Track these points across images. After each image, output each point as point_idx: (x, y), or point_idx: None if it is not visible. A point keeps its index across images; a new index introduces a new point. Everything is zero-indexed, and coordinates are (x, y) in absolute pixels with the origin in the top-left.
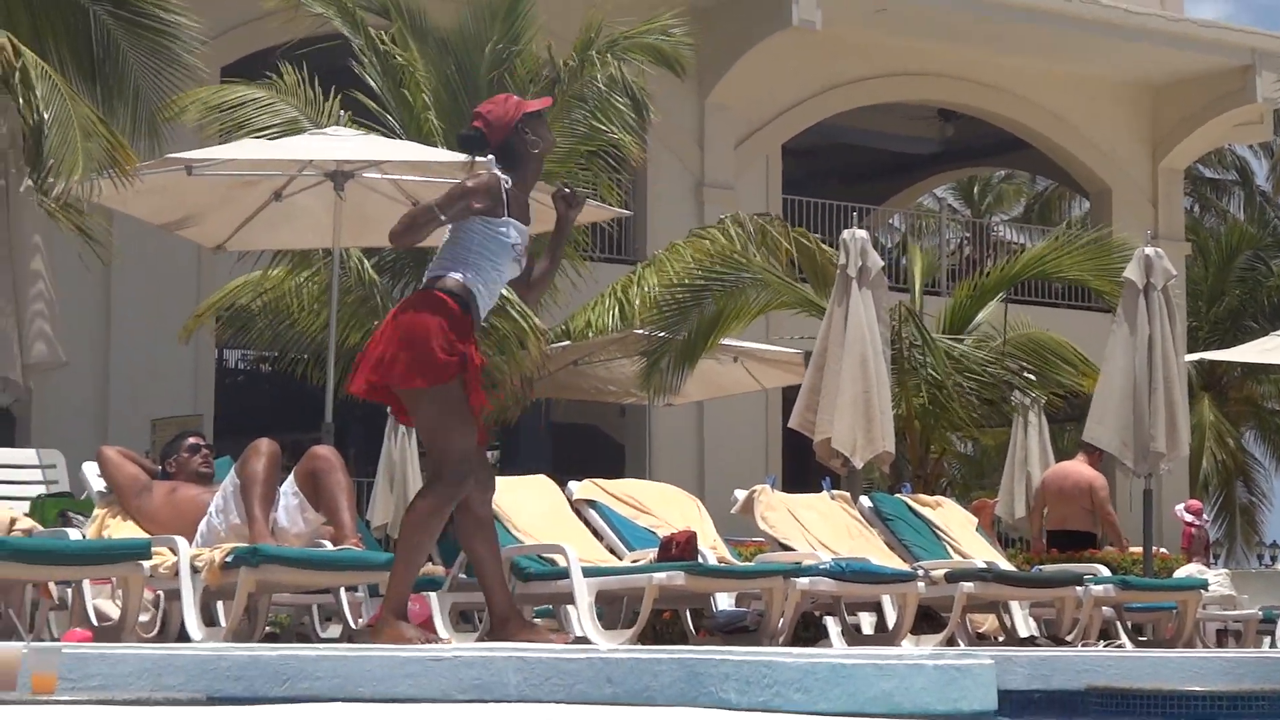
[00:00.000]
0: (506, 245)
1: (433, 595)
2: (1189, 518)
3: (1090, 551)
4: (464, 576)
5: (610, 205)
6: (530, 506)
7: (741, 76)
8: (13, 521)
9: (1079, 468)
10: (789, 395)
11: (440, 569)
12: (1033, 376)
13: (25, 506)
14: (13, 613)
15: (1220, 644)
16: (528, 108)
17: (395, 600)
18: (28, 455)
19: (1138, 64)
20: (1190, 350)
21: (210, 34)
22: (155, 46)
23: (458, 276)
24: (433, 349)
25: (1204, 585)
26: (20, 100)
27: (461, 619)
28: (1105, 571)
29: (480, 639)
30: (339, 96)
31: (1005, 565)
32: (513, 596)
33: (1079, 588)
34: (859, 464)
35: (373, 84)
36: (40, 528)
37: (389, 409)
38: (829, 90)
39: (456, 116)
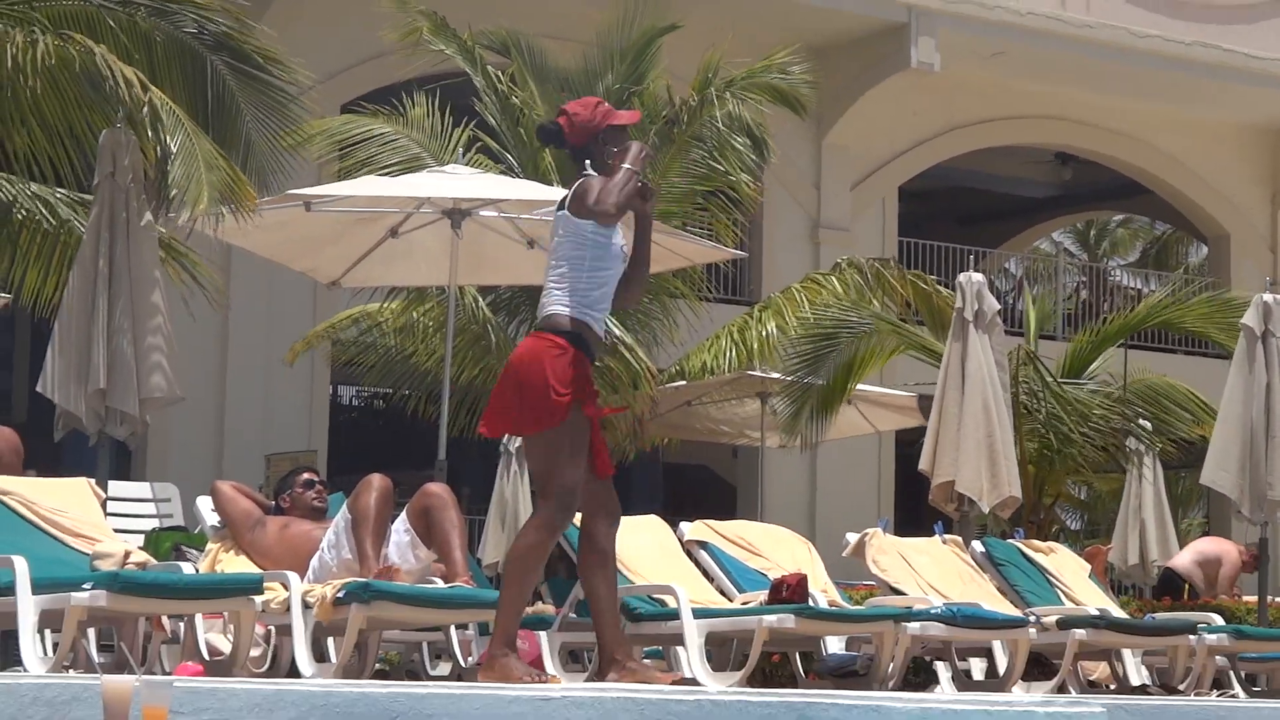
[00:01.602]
0: (616, 249)
1: (543, 634)
2: None
3: (1205, 600)
4: (574, 616)
5: (726, 246)
6: (642, 547)
7: (859, 118)
8: (127, 554)
9: (1229, 546)
10: (902, 438)
11: (550, 608)
12: (1148, 423)
13: (140, 540)
14: (125, 646)
15: None
16: (614, 119)
17: (503, 635)
18: (143, 489)
19: (1258, 108)
20: None
21: (330, 71)
22: (269, 101)
23: (566, 312)
24: (542, 394)
25: None
26: (148, 133)
27: (571, 658)
28: (1219, 620)
29: (590, 678)
30: (466, 129)
31: (1118, 612)
32: (624, 636)
33: (1192, 636)
34: (986, 508)
35: (492, 122)
36: (154, 561)
37: None
38: (947, 132)
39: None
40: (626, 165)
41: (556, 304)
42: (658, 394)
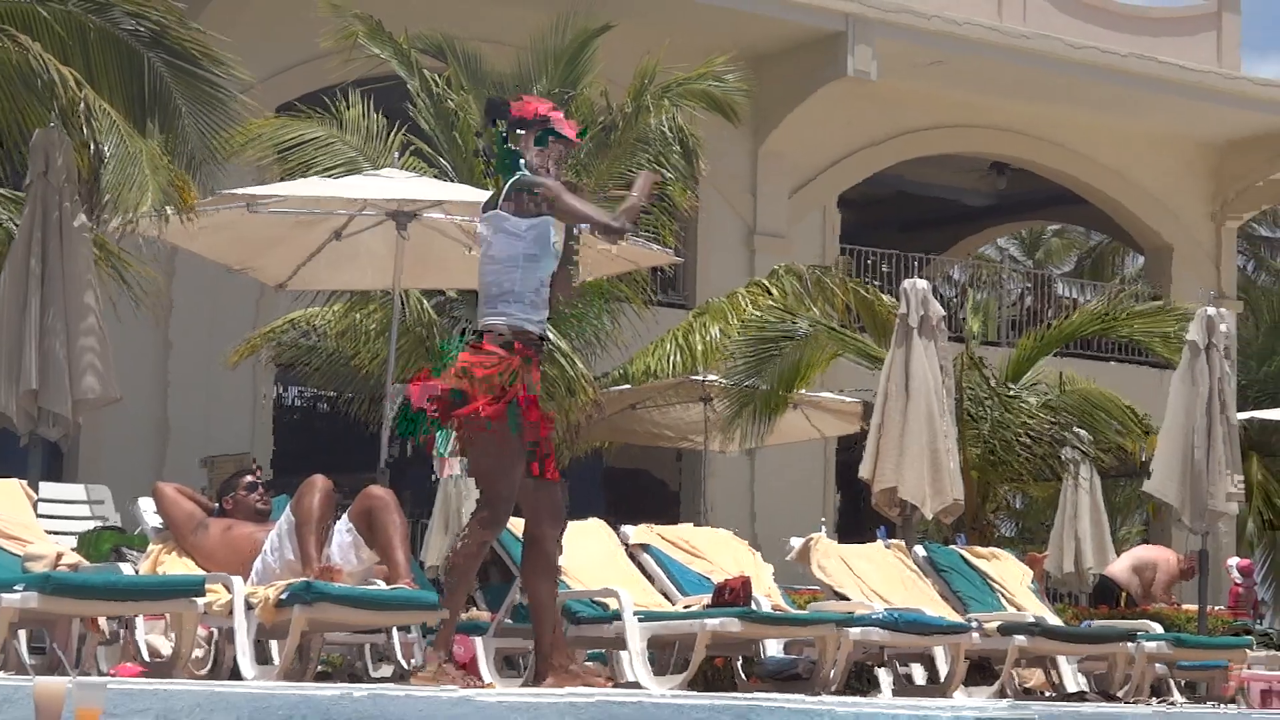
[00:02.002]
0: (553, 247)
1: (478, 640)
2: (1238, 577)
3: (1143, 608)
4: (509, 622)
5: (665, 249)
6: (584, 550)
7: (796, 125)
8: (59, 556)
9: (1170, 555)
10: (845, 443)
11: (486, 614)
12: (1083, 432)
13: (73, 541)
14: (58, 648)
15: (1265, 705)
16: (552, 118)
17: (439, 640)
18: (75, 490)
19: (1195, 121)
20: (1239, 409)
21: (267, 73)
22: (206, 96)
23: (502, 321)
24: (479, 401)
25: (1250, 644)
26: (81, 134)
27: (506, 664)
28: (1158, 628)
29: (525, 684)
30: (400, 131)
31: (1054, 620)
32: (565, 640)
33: (1131, 644)
34: (929, 514)
35: (425, 126)
36: (86, 563)
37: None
38: (884, 141)
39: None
40: (637, 195)
41: (491, 313)
42: (600, 397)
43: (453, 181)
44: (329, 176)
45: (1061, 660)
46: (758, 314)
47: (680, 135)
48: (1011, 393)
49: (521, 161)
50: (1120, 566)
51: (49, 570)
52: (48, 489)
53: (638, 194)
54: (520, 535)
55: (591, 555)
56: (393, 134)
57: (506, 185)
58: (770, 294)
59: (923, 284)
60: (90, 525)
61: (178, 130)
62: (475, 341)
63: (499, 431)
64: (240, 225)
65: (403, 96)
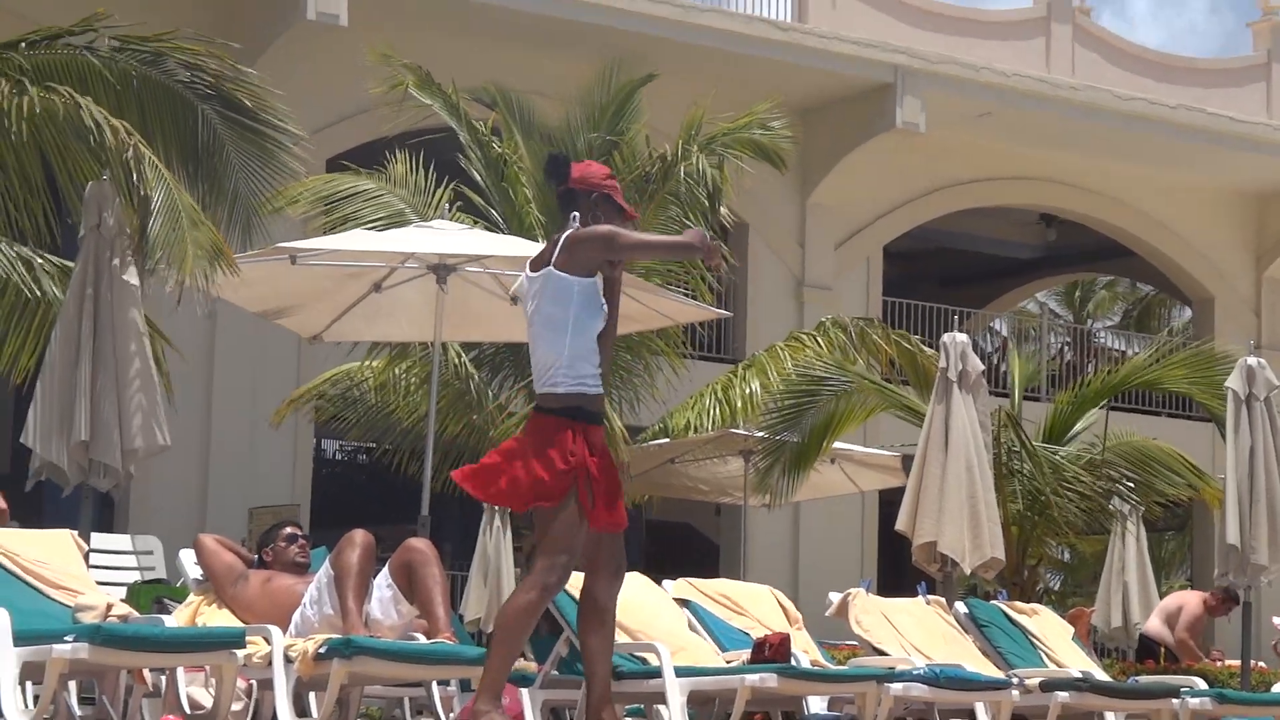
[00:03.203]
0: (600, 303)
1: (525, 691)
2: None
3: (1188, 663)
4: (556, 673)
5: (706, 304)
6: (627, 602)
7: (844, 177)
8: (109, 607)
9: (1191, 596)
10: (885, 498)
11: (533, 665)
12: (1132, 485)
13: (122, 592)
14: (106, 699)
15: None
16: (617, 195)
17: (489, 690)
18: (125, 541)
19: (1243, 172)
20: None
21: (318, 125)
22: (259, 150)
23: (560, 388)
24: (543, 474)
25: None
26: (129, 186)
27: (553, 716)
28: (1202, 684)
29: None
30: (449, 186)
31: (1101, 675)
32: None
33: (1175, 700)
34: (968, 570)
35: (476, 177)
36: (136, 614)
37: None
38: (932, 193)
39: (558, 212)
40: (694, 230)
41: (546, 380)
42: (637, 452)
43: (503, 232)
44: (376, 228)
45: (1109, 717)
46: (795, 367)
47: (704, 180)
48: (1049, 448)
49: (574, 216)
50: (1153, 622)
51: (99, 621)
52: (99, 540)
53: (695, 230)
54: (571, 591)
55: (636, 607)
56: (443, 187)
57: (561, 240)
58: (807, 348)
59: (962, 338)
60: (139, 576)
61: (228, 185)
62: (537, 411)
63: (567, 506)
64: (281, 277)
65: (453, 148)
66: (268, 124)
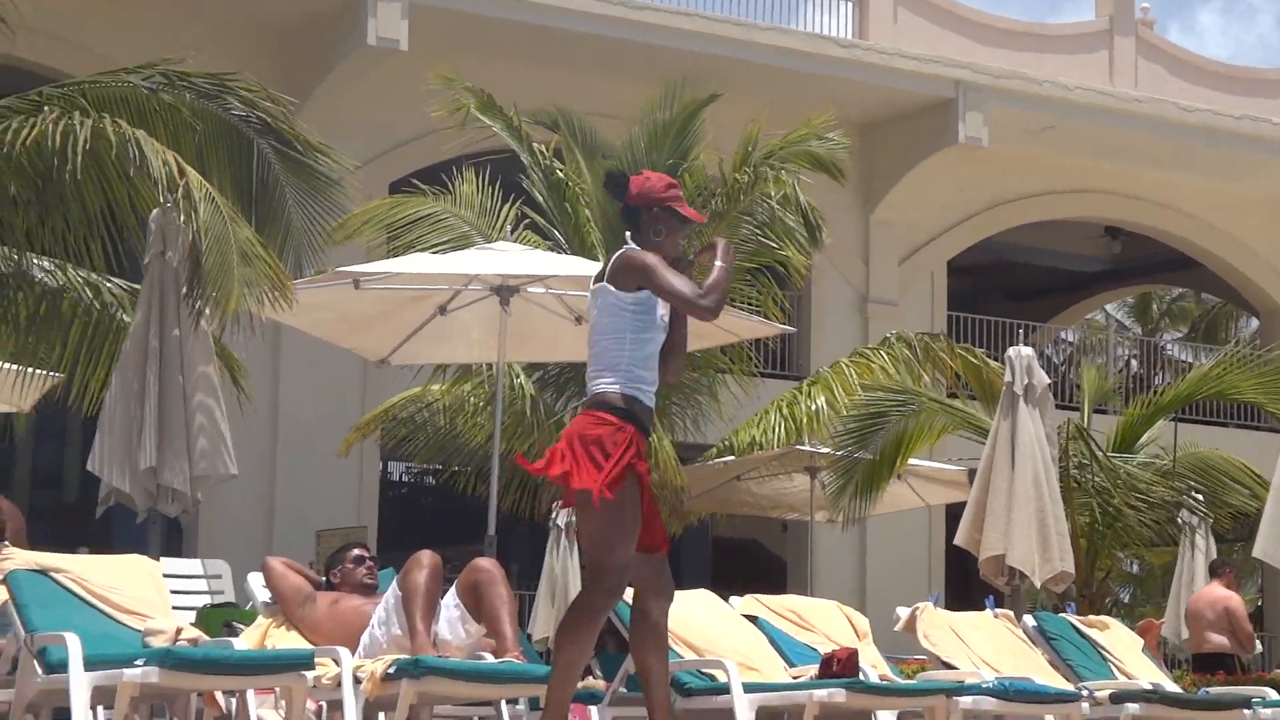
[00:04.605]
0: (657, 319)
1: (593, 709)
2: None
3: (1259, 674)
4: (624, 691)
5: (773, 321)
6: (693, 621)
7: (907, 193)
8: (179, 631)
9: (1212, 590)
10: (952, 512)
11: (601, 683)
12: (1200, 496)
13: (191, 616)
14: None
15: None
16: (679, 205)
17: (554, 711)
18: (194, 565)
19: None
20: None
21: (381, 149)
22: (312, 184)
23: (615, 389)
24: (599, 463)
25: None
26: (182, 217)
27: None
28: (1273, 694)
29: None
30: (515, 205)
31: (1171, 687)
32: (674, 711)
33: (1247, 710)
34: (1038, 583)
35: (539, 198)
36: (206, 637)
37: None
38: (995, 207)
39: (620, 230)
40: (721, 264)
41: (604, 381)
42: (701, 469)
43: (565, 253)
44: (440, 251)
45: None
46: (863, 383)
47: (801, 209)
48: (1117, 460)
49: (629, 235)
50: (1215, 640)
51: (169, 645)
52: (168, 564)
53: (723, 264)
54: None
55: (703, 623)
56: (507, 207)
57: (614, 257)
58: (873, 364)
59: (1027, 351)
60: (208, 600)
61: (283, 218)
62: (589, 408)
63: (617, 503)
64: (344, 301)
65: (516, 170)
66: (321, 159)
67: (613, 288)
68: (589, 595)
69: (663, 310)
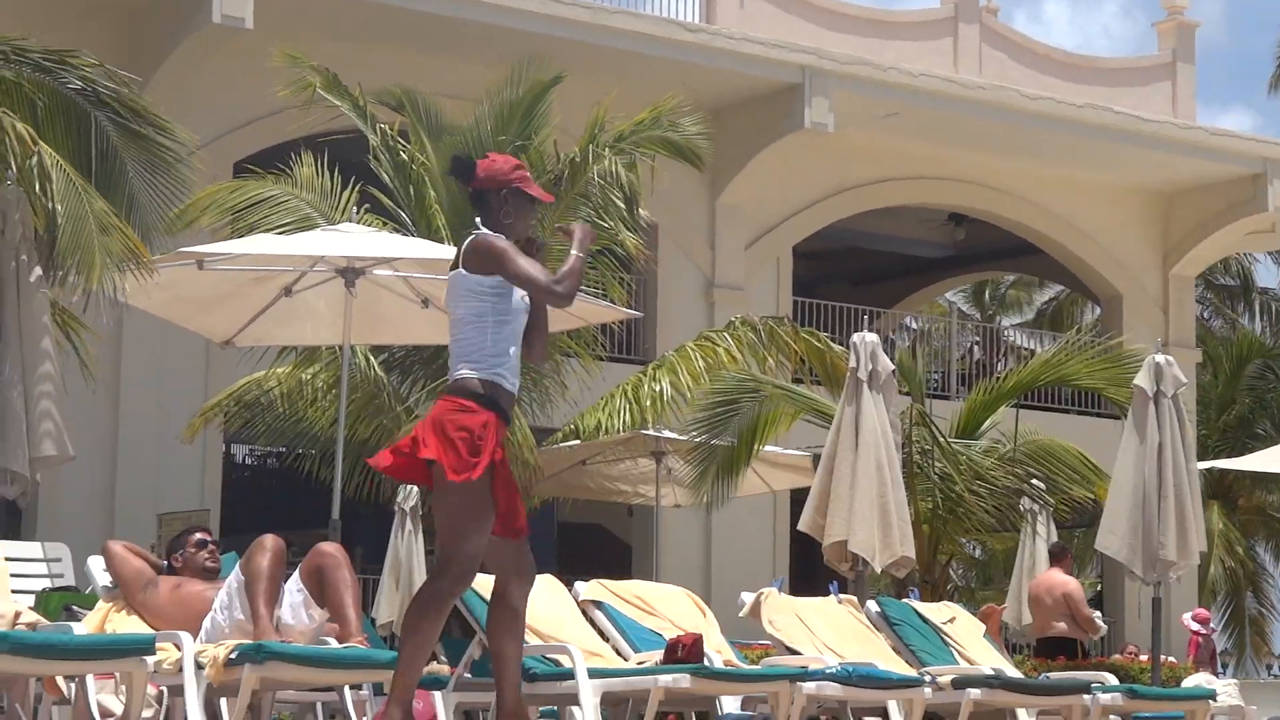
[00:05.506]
0: (517, 301)
1: (438, 694)
2: (1195, 626)
3: (1098, 659)
4: (469, 676)
5: (616, 304)
6: (536, 606)
7: (753, 178)
8: (17, 615)
9: (1051, 576)
10: (797, 498)
11: (446, 668)
12: (1041, 483)
13: (30, 600)
14: (19, 707)
15: None
16: (528, 185)
17: (399, 696)
18: (33, 549)
19: (1150, 171)
20: (1199, 458)
21: (224, 129)
22: (153, 159)
23: (475, 375)
24: (460, 448)
25: (1212, 695)
26: (34, 191)
27: (466, 719)
28: (1113, 680)
29: None
30: (357, 188)
31: (1013, 672)
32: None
33: (1087, 695)
34: (879, 568)
35: (385, 179)
36: (45, 621)
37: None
38: (840, 193)
39: (467, 213)
40: (577, 253)
41: (466, 367)
42: (548, 453)
43: (412, 235)
44: (284, 233)
45: (1021, 713)
46: (708, 368)
47: (620, 182)
48: (958, 447)
49: (478, 220)
50: (1058, 626)
51: (7, 629)
52: (6, 548)
53: (578, 251)
54: (480, 591)
55: (544, 611)
56: (350, 189)
57: (464, 243)
58: (718, 348)
59: (872, 337)
60: (48, 584)
61: (125, 195)
62: (451, 394)
63: (474, 490)
64: (189, 282)
65: (362, 150)
66: (162, 133)
67: (466, 272)
68: (438, 582)
69: (521, 291)
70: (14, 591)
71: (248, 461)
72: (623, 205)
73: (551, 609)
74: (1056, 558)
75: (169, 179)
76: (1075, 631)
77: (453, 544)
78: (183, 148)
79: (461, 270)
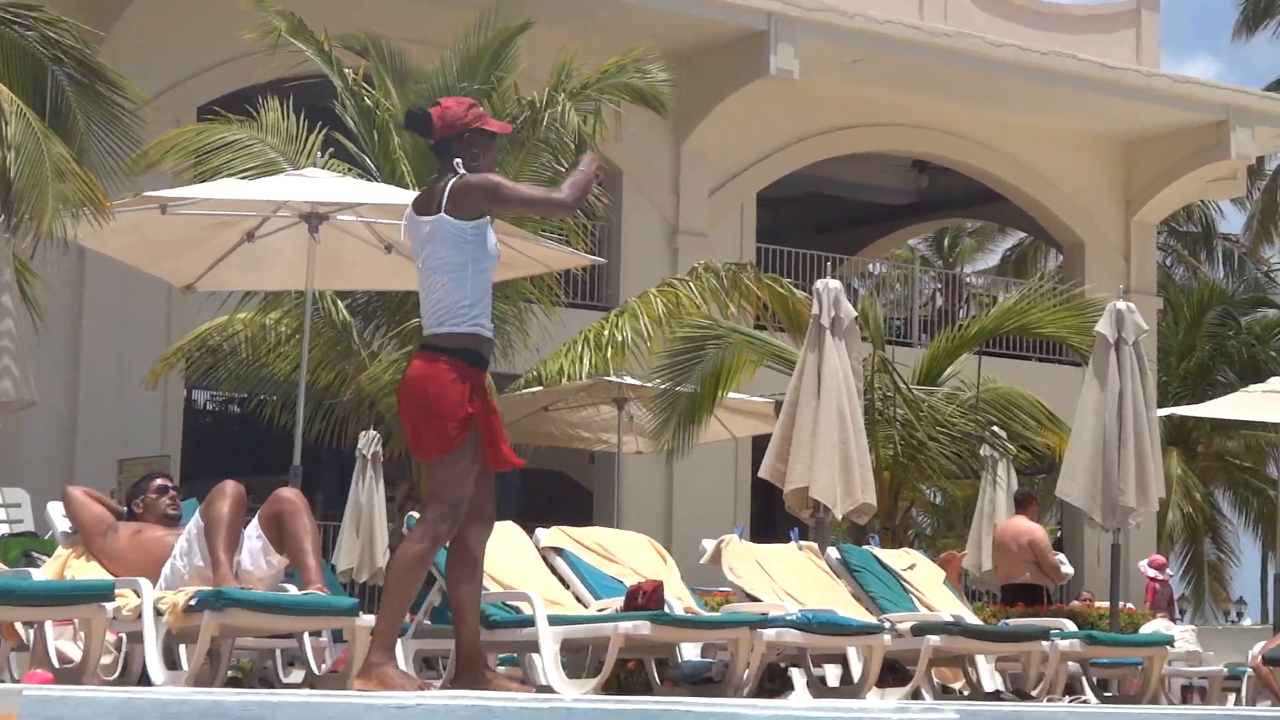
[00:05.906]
0: (492, 247)
1: (397, 640)
2: (1152, 573)
3: (1057, 605)
4: (428, 623)
5: (579, 251)
6: (497, 553)
7: (718, 124)
8: None
9: (1016, 523)
10: (758, 445)
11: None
12: (1001, 431)
13: None
14: None
15: (1185, 700)
16: (485, 123)
17: (382, 643)
18: None
19: (1113, 118)
20: (1159, 405)
21: (189, 73)
22: (106, 116)
23: (456, 328)
24: (441, 422)
25: (1170, 641)
26: None
27: (425, 665)
28: (1071, 626)
29: (445, 685)
30: (322, 132)
31: (972, 619)
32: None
33: (1045, 642)
34: (839, 515)
35: (350, 124)
36: (4, 567)
37: None
38: (805, 140)
39: (431, 159)
40: (583, 168)
41: (448, 323)
42: (510, 399)
43: (376, 181)
44: (248, 178)
45: (980, 659)
46: (671, 317)
47: (577, 131)
48: (919, 393)
49: (457, 162)
50: (1024, 572)
51: None
52: None
53: (584, 167)
54: None
55: (504, 557)
56: (315, 134)
57: (448, 186)
58: (681, 294)
59: (835, 284)
60: (7, 529)
61: (76, 142)
62: (431, 356)
63: (460, 451)
64: (151, 226)
65: (326, 94)
66: (116, 90)
67: (451, 218)
68: (422, 529)
69: (494, 238)
70: None
71: (209, 407)
72: (575, 151)
73: (512, 556)
74: (1021, 504)
75: (121, 135)
76: (1040, 578)
77: (445, 495)
78: (134, 105)
79: (444, 216)
